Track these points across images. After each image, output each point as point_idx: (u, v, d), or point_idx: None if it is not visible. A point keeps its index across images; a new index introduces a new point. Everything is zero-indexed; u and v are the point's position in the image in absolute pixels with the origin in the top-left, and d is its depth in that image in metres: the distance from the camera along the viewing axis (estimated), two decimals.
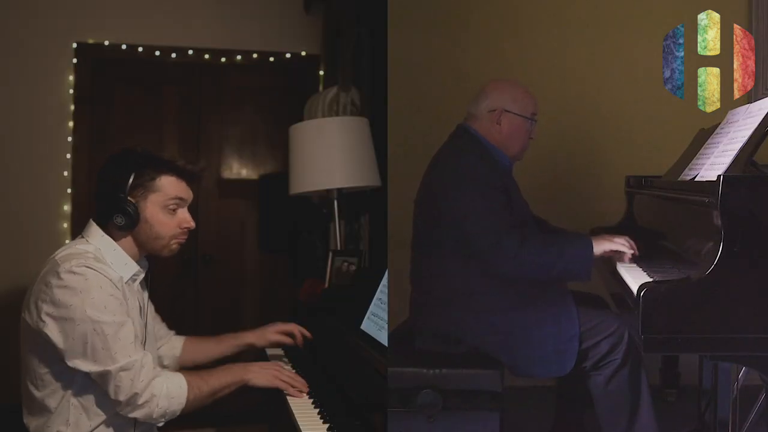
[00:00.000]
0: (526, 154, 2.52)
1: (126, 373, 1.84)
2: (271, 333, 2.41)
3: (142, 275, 2.10)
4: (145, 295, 2.18)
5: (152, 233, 2.02)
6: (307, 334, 2.45)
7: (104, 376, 1.84)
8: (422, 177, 2.46)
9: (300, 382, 2.15)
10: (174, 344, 2.37)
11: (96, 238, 1.99)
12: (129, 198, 1.97)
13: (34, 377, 1.92)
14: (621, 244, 2.28)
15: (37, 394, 1.92)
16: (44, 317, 1.84)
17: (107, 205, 1.98)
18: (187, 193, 2.07)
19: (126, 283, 2.00)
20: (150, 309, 2.23)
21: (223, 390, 2.02)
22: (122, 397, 1.85)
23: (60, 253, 1.93)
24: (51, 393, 1.91)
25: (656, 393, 2.70)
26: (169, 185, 2.02)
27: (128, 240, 2.02)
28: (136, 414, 1.87)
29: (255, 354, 2.65)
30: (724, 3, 2.69)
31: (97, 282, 1.86)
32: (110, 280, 1.89)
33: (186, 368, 2.26)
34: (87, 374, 1.88)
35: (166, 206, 2.02)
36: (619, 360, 2.27)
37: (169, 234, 2.04)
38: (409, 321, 2.50)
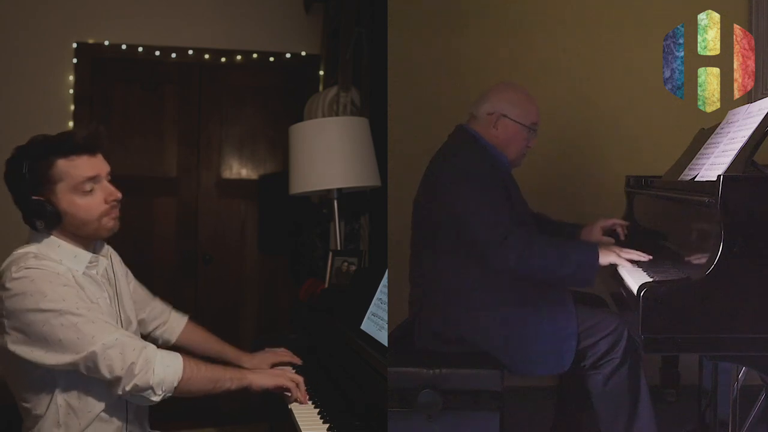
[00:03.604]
0: (522, 161, 2.51)
1: (112, 350, 1.76)
2: (267, 366, 2.34)
3: (103, 262, 2.01)
4: (128, 279, 2.12)
5: (78, 221, 1.89)
6: (297, 360, 2.43)
7: (92, 359, 1.76)
8: (422, 176, 2.46)
9: (303, 388, 2.08)
10: (173, 325, 2.33)
11: (36, 241, 1.91)
12: (37, 198, 1.85)
13: (20, 390, 1.89)
14: (626, 261, 2.22)
15: (26, 405, 1.89)
16: (8, 331, 1.78)
17: (23, 212, 1.89)
18: (93, 168, 1.89)
19: (84, 273, 1.92)
20: (133, 292, 2.17)
21: (223, 382, 1.91)
22: (119, 372, 1.75)
23: (2, 265, 1.86)
24: (38, 401, 1.87)
25: (656, 393, 2.70)
26: (70, 167, 1.86)
27: (64, 234, 1.91)
28: (134, 382, 1.76)
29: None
30: (724, 3, 2.69)
31: (45, 278, 1.78)
32: (56, 273, 1.81)
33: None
34: (69, 373, 1.83)
35: (79, 189, 1.87)
36: (618, 359, 2.27)
37: (95, 215, 1.90)
38: (409, 321, 2.50)
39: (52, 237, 1.91)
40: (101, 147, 1.94)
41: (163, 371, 1.80)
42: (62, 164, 1.86)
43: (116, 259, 2.15)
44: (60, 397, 1.87)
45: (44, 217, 1.86)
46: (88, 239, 1.96)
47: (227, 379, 1.92)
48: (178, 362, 1.83)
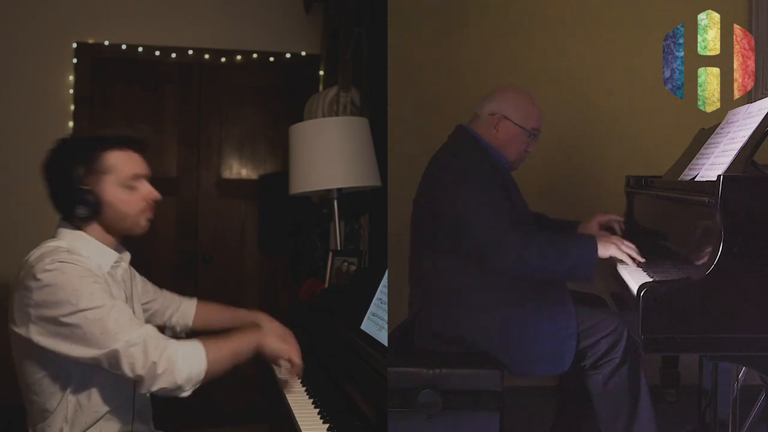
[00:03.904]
0: (520, 164, 2.51)
1: (135, 348, 1.76)
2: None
3: (124, 264, 2.05)
4: (135, 282, 2.14)
5: (118, 214, 1.93)
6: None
7: (114, 357, 1.77)
8: (422, 176, 2.46)
9: (300, 362, 2.07)
10: (185, 310, 2.34)
11: (66, 235, 1.93)
12: (83, 187, 1.89)
13: (32, 383, 1.90)
14: (626, 254, 2.23)
15: (36, 399, 1.90)
16: (35, 321, 1.79)
17: (64, 199, 1.91)
18: (141, 166, 1.98)
19: (108, 272, 1.95)
20: (144, 287, 2.20)
21: (243, 352, 1.92)
22: (141, 371, 1.76)
23: (32, 255, 1.87)
24: (50, 396, 1.89)
25: (656, 393, 2.70)
26: (120, 161, 1.93)
27: (97, 228, 1.94)
28: (161, 385, 1.77)
29: None
30: (724, 3, 2.68)
31: (76, 273, 1.80)
32: (88, 268, 1.83)
33: (198, 334, 2.15)
34: (84, 371, 1.84)
35: (125, 184, 1.93)
36: (618, 359, 2.27)
37: (135, 211, 1.96)
38: (409, 321, 2.50)
39: (81, 233, 1.94)
40: (148, 148, 2.02)
41: (188, 367, 1.80)
42: (114, 156, 1.93)
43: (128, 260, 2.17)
44: (72, 395, 1.89)
45: (89, 205, 1.89)
46: (119, 235, 2.00)
47: (245, 346, 1.95)
48: (201, 354, 1.82)
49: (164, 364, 1.77)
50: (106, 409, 1.92)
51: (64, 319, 1.78)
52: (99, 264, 1.92)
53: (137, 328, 1.81)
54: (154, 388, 1.78)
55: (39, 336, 1.80)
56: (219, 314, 2.40)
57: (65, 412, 1.89)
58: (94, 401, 1.91)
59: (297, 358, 2.05)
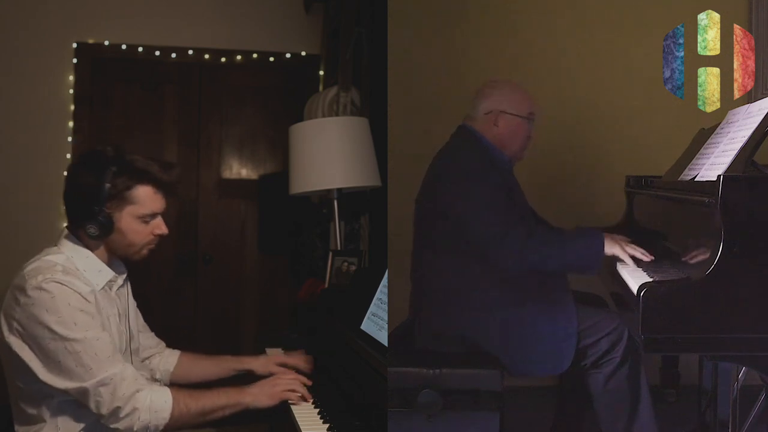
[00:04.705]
0: (526, 153, 2.51)
1: (105, 388, 1.80)
2: (274, 365, 2.35)
3: (120, 281, 2.06)
4: (129, 300, 2.14)
5: (125, 242, 1.97)
6: (308, 367, 2.39)
7: (83, 393, 1.81)
8: (424, 176, 2.46)
9: (301, 385, 2.10)
10: (168, 358, 2.33)
11: (68, 246, 1.94)
12: (104, 209, 1.90)
13: (20, 393, 1.90)
14: (629, 256, 2.23)
15: (25, 407, 1.90)
16: (15, 335, 1.81)
17: (81, 213, 1.92)
18: (162, 206, 2.02)
19: (102, 289, 1.96)
20: (135, 315, 2.20)
21: (216, 412, 1.95)
22: (104, 411, 1.81)
23: (29, 266, 1.88)
24: (38, 406, 1.88)
25: (656, 393, 2.70)
26: (146, 198, 1.96)
27: (100, 247, 1.97)
28: (118, 425, 1.83)
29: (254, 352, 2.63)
30: (724, 3, 2.69)
31: (65, 299, 1.81)
32: (79, 294, 1.84)
33: (179, 385, 2.18)
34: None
35: (141, 218, 1.97)
36: (619, 358, 2.28)
37: (142, 242, 2.00)
38: (409, 321, 2.50)
39: (82, 248, 1.95)
40: (174, 193, 2.05)
41: (149, 417, 1.84)
42: (143, 191, 1.95)
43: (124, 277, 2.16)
44: (60, 405, 1.88)
45: (102, 228, 1.91)
46: (120, 257, 2.03)
47: (220, 407, 1.96)
48: (166, 406, 1.86)
49: (127, 410, 1.82)
50: (95, 418, 1.89)
51: (42, 343, 1.79)
52: (94, 284, 1.92)
53: (112, 367, 1.82)
54: (111, 426, 1.84)
55: (19, 349, 1.82)
56: (200, 370, 2.36)
57: (56, 422, 1.88)
58: (80, 413, 1.89)
59: (294, 394, 2.06)
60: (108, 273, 1.99)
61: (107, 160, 1.93)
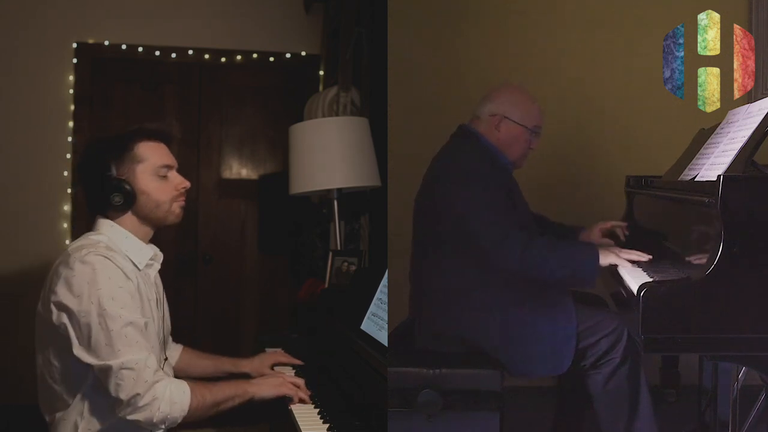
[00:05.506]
0: (524, 162, 2.51)
1: (128, 372, 1.80)
2: (268, 368, 2.39)
3: (157, 265, 2.10)
4: (161, 288, 2.16)
5: (152, 202, 2.01)
6: (295, 360, 2.46)
7: (105, 371, 1.81)
8: (423, 175, 2.46)
9: (304, 389, 2.12)
10: (172, 351, 2.35)
11: (106, 228, 1.99)
12: (118, 176, 1.97)
13: (52, 371, 1.92)
14: (625, 261, 2.23)
15: (56, 387, 1.92)
16: (54, 307, 1.84)
17: (100, 190, 1.97)
18: (170, 158, 2.07)
19: (143, 270, 2.00)
20: (166, 305, 2.22)
21: (227, 402, 1.97)
22: (123, 396, 1.80)
23: (73, 245, 1.94)
24: (68, 386, 1.90)
25: (656, 393, 2.70)
26: (150, 151, 2.02)
27: (132, 219, 2.01)
28: (136, 416, 1.81)
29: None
30: (724, 3, 2.68)
31: (106, 273, 1.84)
32: (122, 270, 1.88)
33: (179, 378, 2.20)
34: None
35: (157, 173, 2.02)
36: (618, 359, 2.28)
37: (168, 198, 2.03)
38: (409, 321, 2.50)
39: (119, 227, 2.00)
40: (172, 144, 2.11)
41: (169, 408, 1.84)
42: (144, 147, 2.02)
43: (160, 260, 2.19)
44: (90, 391, 1.90)
45: (124, 193, 1.97)
46: (156, 224, 2.06)
47: (230, 398, 1.98)
48: (185, 397, 1.87)
49: (147, 399, 1.81)
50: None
51: (79, 315, 1.82)
52: (136, 263, 1.98)
53: (139, 353, 1.83)
54: (129, 417, 1.82)
55: (56, 319, 1.84)
56: (201, 363, 2.39)
57: (81, 407, 1.90)
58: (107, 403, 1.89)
59: (294, 395, 2.08)
60: (147, 250, 2.04)
61: (106, 138, 2.05)
